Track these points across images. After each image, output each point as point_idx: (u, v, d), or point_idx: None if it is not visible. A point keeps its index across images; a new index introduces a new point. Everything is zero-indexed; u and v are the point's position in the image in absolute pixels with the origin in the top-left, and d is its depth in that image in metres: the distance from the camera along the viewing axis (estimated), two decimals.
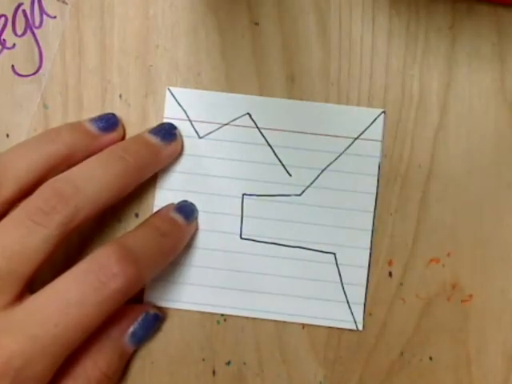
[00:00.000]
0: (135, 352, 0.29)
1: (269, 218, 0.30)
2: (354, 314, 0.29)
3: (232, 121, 0.30)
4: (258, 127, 0.30)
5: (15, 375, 0.23)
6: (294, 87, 0.30)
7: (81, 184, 0.26)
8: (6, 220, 0.25)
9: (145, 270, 0.26)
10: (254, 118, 0.30)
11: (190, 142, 0.30)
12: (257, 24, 0.30)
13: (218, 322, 0.30)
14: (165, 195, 0.30)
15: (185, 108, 0.30)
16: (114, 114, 0.30)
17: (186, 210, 0.29)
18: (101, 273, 0.24)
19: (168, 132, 0.29)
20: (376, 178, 0.30)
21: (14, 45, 0.31)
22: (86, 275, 0.25)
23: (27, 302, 0.25)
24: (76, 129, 0.28)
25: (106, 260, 0.25)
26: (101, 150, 0.28)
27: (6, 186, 0.26)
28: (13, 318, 0.24)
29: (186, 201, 0.30)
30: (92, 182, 0.26)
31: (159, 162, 0.29)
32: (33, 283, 0.26)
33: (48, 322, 0.24)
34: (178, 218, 0.29)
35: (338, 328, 0.29)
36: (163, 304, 0.30)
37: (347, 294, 0.29)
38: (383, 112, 0.30)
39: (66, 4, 0.31)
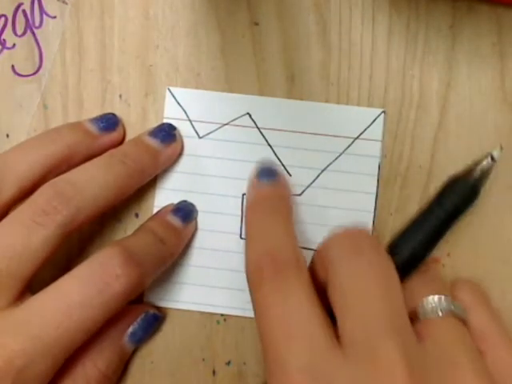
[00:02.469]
0: (135, 352, 0.29)
1: None
2: None
3: (232, 121, 0.30)
4: (257, 127, 0.30)
5: (16, 375, 0.23)
6: (293, 87, 0.30)
7: (82, 185, 0.26)
8: (6, 220, 0.25)
9: (146, 272, 0.26)
10: (254, 118, 0.30)
11: (189, 142, 0.30)
12: (257, 24, 0.30)
13: (218, 322, 0.30)
14: (165, 195, 0.30)
15: (185, 108, 0.30)
16: (114, 114, 0.30)
17: (185, 211, 0.29)
18: (104, 274, 0.25)
19: (168, 133, 0.29)
20: (376, 178, 0.30)
21: (14, 45, 0.31)
22: (90, 276, 0.25)
23: (28, 302, 0.25)
24: (76, 129, 0.29)
25: (110, 261, 0.25)
26: (101, 149, 0.28)
27: (6, 186, 0.26)
28: (14, 318, 0.24)
29: (185, 201, 0.30)
30: (93, 183, 0.26)
31: (159, 165, 0.29)
32: (33, 283, 0.26)
33: (50, 323, 0.24)
34: (175, 221, 0.29)
35: None
36: (163, 304, 0.30)
37: None
38: (383, 112, 0.30)
39: (66, 4, 0.31)
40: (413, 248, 0.26)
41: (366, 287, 0.23)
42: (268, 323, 0.23)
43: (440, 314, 0.25)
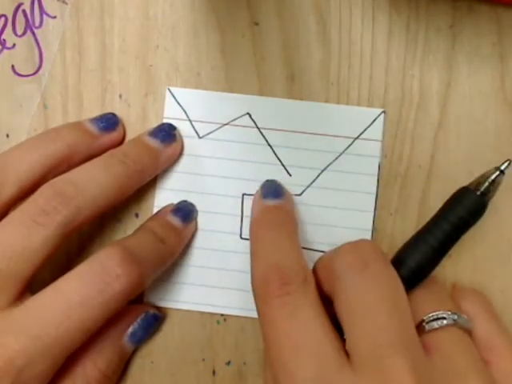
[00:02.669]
0: (135, 352, 0.29)
1: None
2: None
3: (232, 121, 0.30)
4: (257, 127, 0.30)
5: (17, 375, 0.23)
6: (293, 87, 0.30)
7: (82, 185, 0.26)
8: (6, 220, 0.25)
9: (146, 272, 0.26)
10: (254, 118, 0.30)
11: (189, 142, 0.30)
12: (257, 24, 0.30)
13: (218, 322, 0.30)
14: (165, 195, 0.30)
15: (185, 108, 0.30)
16: (114, 114, 0.30)
17: (185, 211, 0.29)
18: (105, 274, 0.25)
19: (168, 133, 0.29)
20: (376, 178, 0.30)
21: (14, 45, 0.31)
22: (90, 276, 0.25)
23: (28, 302, 0.24)
24: (76, 128, 0.29)
25: (110, 261, 0.25)
26: (101, 149, 0.28)
27: (6, 186, 0.26)
28: (14, 318, 0.24)
29: (185, 201, 0.30)
30: (93, 183, 0.26)
31: (159, 165, 0.29)
32: (33, 283, 0.26)
33: (50, 323, 0.24)
34: (175, 221, 0.29)
35: None
36: (163, 304, 0.30)
37: None
38: (383, 112, 0.30)
39: (66, 4, 0.31)
40: (419, 261, 0.26)
41: (372, 301, 0.23)
42: (275, 337, 0.23)
43: (445, 325, 0.25)
